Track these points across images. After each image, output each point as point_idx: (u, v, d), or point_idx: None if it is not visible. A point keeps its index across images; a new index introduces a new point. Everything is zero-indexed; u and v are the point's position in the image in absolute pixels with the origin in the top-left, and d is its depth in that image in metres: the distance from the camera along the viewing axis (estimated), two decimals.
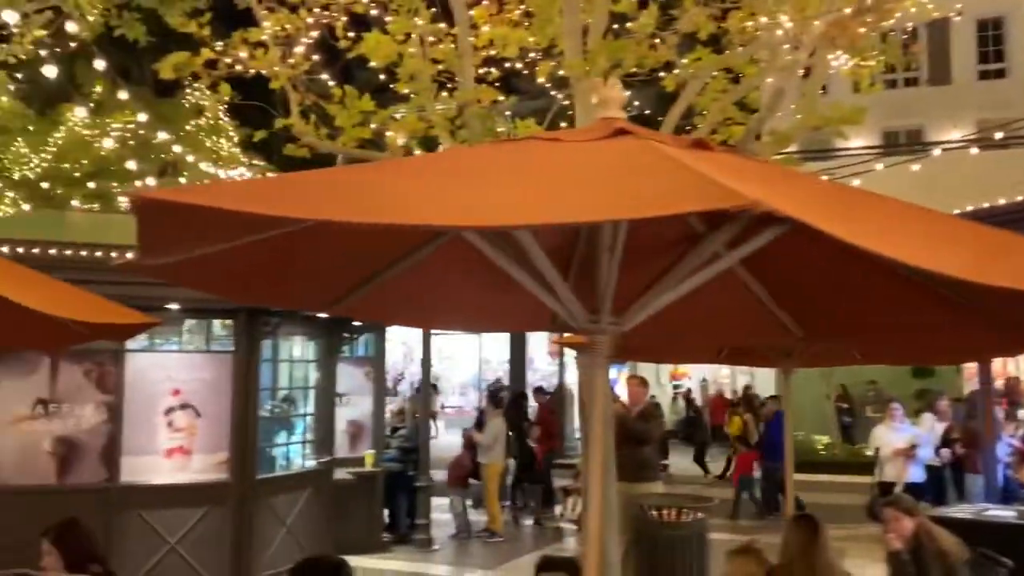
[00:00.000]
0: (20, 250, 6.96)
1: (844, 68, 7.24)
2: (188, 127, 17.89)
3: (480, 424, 11.63)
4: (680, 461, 17.51)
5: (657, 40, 6.50)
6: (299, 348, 9.10)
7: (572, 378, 21.80)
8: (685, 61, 6.40)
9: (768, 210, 1.33)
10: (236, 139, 18.55)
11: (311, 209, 1.72)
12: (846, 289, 2.99)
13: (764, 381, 21.43)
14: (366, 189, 1.93)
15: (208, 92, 9.60)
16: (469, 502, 11.59)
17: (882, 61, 7.01)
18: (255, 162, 17.87)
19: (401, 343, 25.14)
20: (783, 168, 2.88)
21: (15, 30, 7.28)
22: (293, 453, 8.91)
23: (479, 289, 3.48)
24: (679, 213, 1.43)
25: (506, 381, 19.94)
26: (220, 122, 18.19)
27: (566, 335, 6.12)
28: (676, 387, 23.99)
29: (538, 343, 23.15)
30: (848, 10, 5.52)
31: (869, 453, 10.96)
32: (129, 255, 7.15)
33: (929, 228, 2.03)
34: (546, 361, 24.04)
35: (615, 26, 6.68)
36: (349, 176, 2.10)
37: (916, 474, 9.51)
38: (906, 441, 9.55)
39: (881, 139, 22.20)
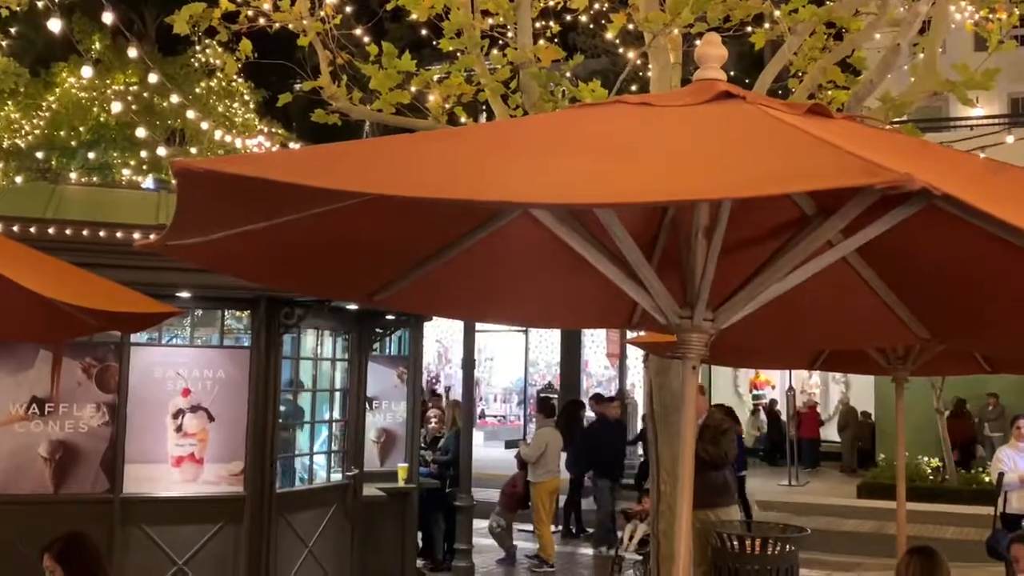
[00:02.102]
0: (14, 228, 7.14)
1: (968, 22, 7.08)
2: (197, 90, 18.17)
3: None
4: (762, 485, 17.34)
5: None
6: (325, 344, 9.18)
7: (632, 384, 21.79)
8: (779, 13, 6.31)
9: (923, 187, 1.30)
10: (252, 103, 18.79)
11: (371, 182, 1.74)
12: (984, 282, 2.93)
13: (862, 391, 21.16)
14: (430, 161, 1.94)
15: (222, 50, 9.72)
16: (528, 527, 11.67)
17: (1016, 14, 6.84)
18: (275, 130, 18.10)
19: (435, 341, 25.40)
20: (916, 139, 2.83)
21: None
22: (317, 465, 9.00)
23: (543, 278, 3.49)
24: (815, 190, 1.41)
25: (557, 387, 19.92)
26: (234, 84, 18.45)
27: (640, 334, 6.10)
28: (757, 397, 23.80)
29: (594, 344, 23.17)
30: None
31: (989, 479, 10.72)
32: (136, 235, 7.28)
33: None
34: (602, 365, 24.05)
35: None
36: (409, 146, 2.11)
37: None
38: None
39: (1007, 106, 21.68)
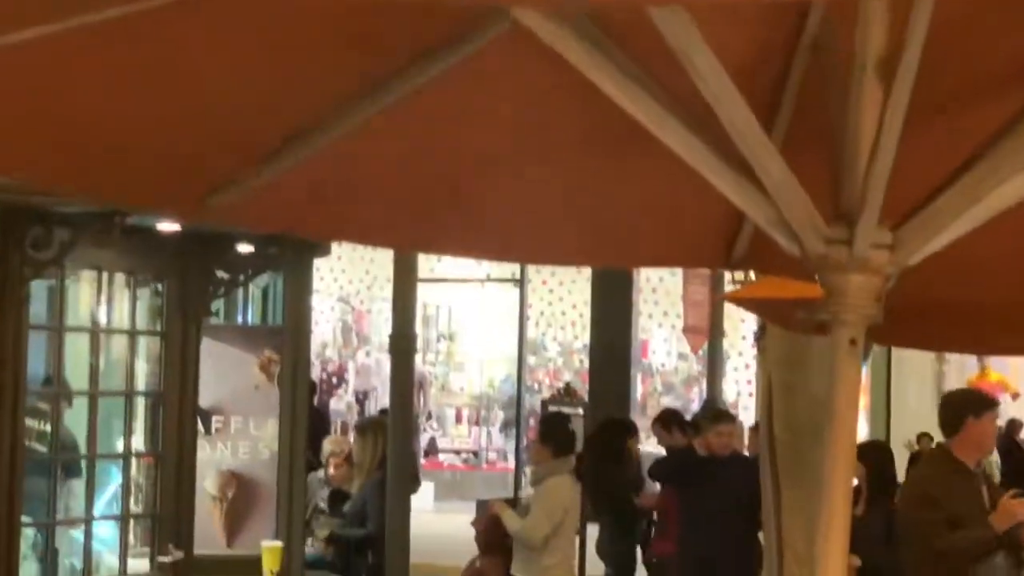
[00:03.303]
0: None
1: None
2: None
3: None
4: None
5: None
6: (116, 301, 9.17)
7: (738, 391, 21.92)
8: None
9: None
10: None
11: None
12: None
13: None
14: None
15: None
16: None
17: None
18: None
19: (337, 300, 25.36)
20: None
21: None
22: (101, 542, 9.04)
23: (551, 165, 3.49)
24: None
25: (584, 396, 19.92)
26: None
27: (742, 288, 6.11)
28: None
29: (658, 310, 23.26)
30: None
31: None
32: None
33: None
34: (676, 351, 24.18)
35: None
36: None
37: None
38: None
39: None
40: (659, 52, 2.43)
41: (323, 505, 11.52)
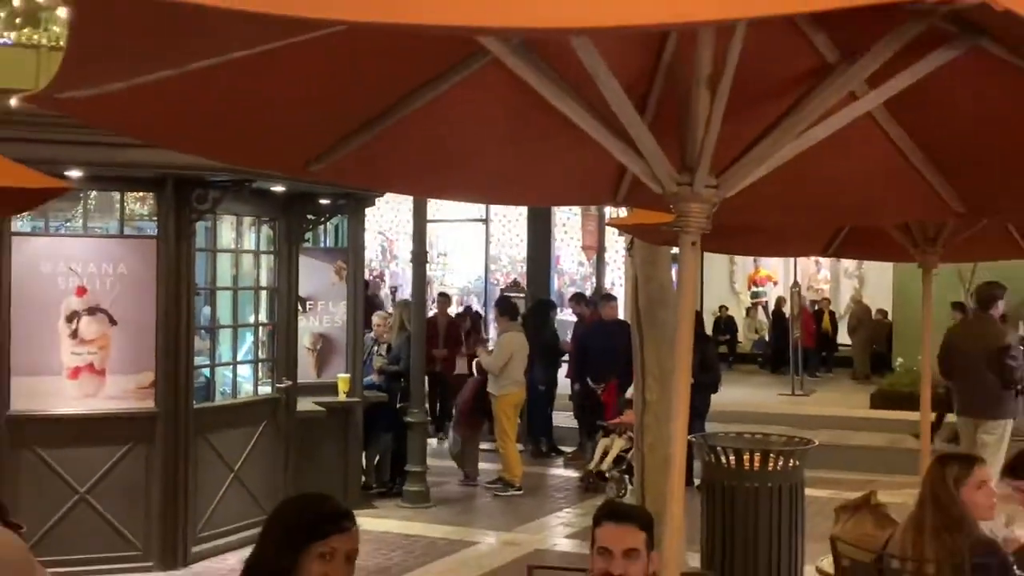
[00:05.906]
0: None
1: None
2: None
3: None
4: (763, 395, 17.80)
5: None
6: (246, 234, 9.15)
7: (612, 283, 21.93)
8: None
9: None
10: None
11: (354, 7, 1.61)
12: None
13: (877, 287, 21.50)
14: None
15: None
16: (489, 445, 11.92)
17: None
18: None
19: (378, 233, 25.34)
20: None
21: None
22: (241, 376, 9.03)
23: (513, 143, 3.45)
24: (862, 5, 1.35)
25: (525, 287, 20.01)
26: None
27: (622, 216, 6.12)
28: (756, 296, 24.10)
29: (567, 237, 23.27)
30: None
31: None
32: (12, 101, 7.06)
33: None
34: (576, 260, 24.16)
35: None
36: None
37: None
38: None
39: None
40: (577, 70, 2.39)
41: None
